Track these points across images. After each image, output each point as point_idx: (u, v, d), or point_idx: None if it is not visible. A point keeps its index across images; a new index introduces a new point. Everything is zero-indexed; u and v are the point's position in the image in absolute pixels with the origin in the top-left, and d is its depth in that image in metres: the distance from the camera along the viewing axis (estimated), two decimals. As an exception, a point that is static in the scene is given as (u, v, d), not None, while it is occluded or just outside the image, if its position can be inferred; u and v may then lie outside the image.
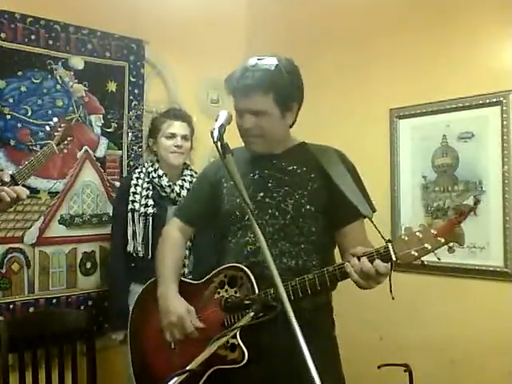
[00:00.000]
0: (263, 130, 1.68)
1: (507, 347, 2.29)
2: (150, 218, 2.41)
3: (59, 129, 2.35)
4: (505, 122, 2.34)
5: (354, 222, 1.69)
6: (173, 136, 2.44)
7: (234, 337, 1.57)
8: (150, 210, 2.41)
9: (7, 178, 1.64)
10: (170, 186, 2.43)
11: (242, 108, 1.67)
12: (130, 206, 2.43)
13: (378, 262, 1.42)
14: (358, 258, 1.45)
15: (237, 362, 1.58)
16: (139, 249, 2.40)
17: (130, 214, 2.43)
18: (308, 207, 1.68)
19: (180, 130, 2.45)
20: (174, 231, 1.92)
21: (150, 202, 2.43)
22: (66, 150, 2.40)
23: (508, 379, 2.28)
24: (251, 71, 1.63)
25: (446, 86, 2.49)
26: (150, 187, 2.46)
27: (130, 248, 2.42)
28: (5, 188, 1.62)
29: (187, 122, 2.49)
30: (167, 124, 2.45)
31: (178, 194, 2.43)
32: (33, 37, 2.50)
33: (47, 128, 2.38)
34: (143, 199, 2.43)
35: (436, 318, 2.50)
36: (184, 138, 2.46)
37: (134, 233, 2.42)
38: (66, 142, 2.41)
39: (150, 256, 2.38)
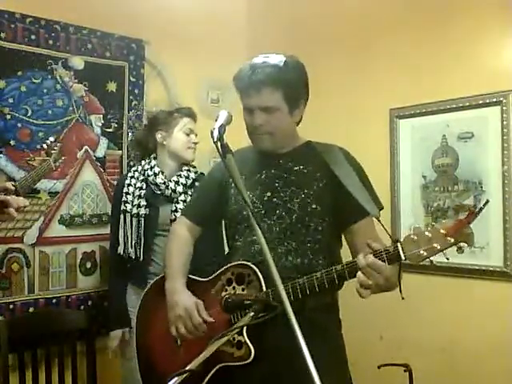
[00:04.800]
0: (273, 127, 1.69)
1: (507, 347, 2.29)
2: (143, 220, 2.38)
3: (55, 148, 2.46)
4: (505, 122, 2.34)
5: (361, 220, 1.69)
6: (191, 132, 2.43)
7: (241, 334, 1.58)
8: (143, 211, 2.38)
9: (12, 187, 1.69)
10: (164, 182, 2.39)
11: (253, 104, 1.67)
12: (122, 207, 2.41)
13: (372, 258, 1.42)
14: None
15: (243, 359, 1.58)
16: (130, 250, 2.37)
17: (121, 216, 2.40)
18: (314, 206, 1.69)
19: (194, 128, 2.46)
20: (182, 229, 1.93)
21: (143, 202, 2.39)
22: (59, 169, 2.52)
23: (508, 379, 2.28)
24: (262, 67, 1.64)
25: (446, 86, 2.49)
26: (144, 186, 2.42)
27: (120, 250, 2.39)
28: (13, 197, 1.66)
29: (196, 121, 2.50)
30: (186, 120, 2.43)
31: (174, 191, 2.38)
32: (33, 37, 2.50)
33: (44, 146, 2.47)
34: (136, 199, 2.40)
35: (436, 318, 2.50)
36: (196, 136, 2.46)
37: (125, 235, 2.39)
38: (60, 161, 2.50)
39: (142, 258, 2.37)
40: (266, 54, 1.70)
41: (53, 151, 2.47)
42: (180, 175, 2.43)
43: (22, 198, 1.75)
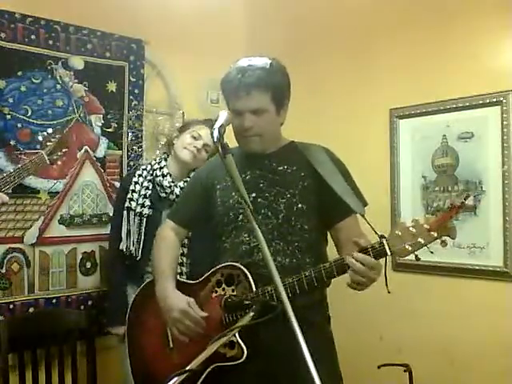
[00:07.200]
0: (262, 129, 1.71)
1: (507, 347, 2.29)
2: (145, 219, 2.40)
3: (52, 139, 2.32)
4: (505, 122, 2.34)
5: (346, 218, 1.72)
6: (198, 137, 2.41)
7: (233, 334, 1.58)
8: (146, 211, 2.40)
9: None
10: (170, 186, 2.40)
11: (243, 107, 1.68)
12: (126, 204, 2.42)
13: (356, 254, 1.47)
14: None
15: (236, 358, 1.59)
16: (131, 248, 2.39)
17: (125, 212, 2.42)
18: (300, 206, 1.70)
19: (207, 137, 2.40)
20: (168, 232, 1.94)
21: (147, 202, 2.41)
22: (59, 162, 2.36)
23: (508, 379, 2.28)
24: (251, 70, 1.65)
25: (446, 86, 2.49)
26: (150, 186, 2.43)
27: (122, 246, 2.41)
28: None
29: None
30: (199, 127, 2.43)
31: (178, 196, 2.38)
32: (33, 37, 2.50)
33: (39, 138, 2.32)
34: (141, 198, 2.41)
35: (436, 318, 2.50)
36: (206, 146, 2.41)
37: (128, 232, 2.41)
38: (59, 153, 2.36)
39: (139, 257, 2.39)
40: (263, 55, 1.72)
41: (49, 143, 2.33)
42: (187, 181, 2.43)
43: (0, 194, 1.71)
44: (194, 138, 2.41)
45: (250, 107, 1.67)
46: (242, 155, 1.78)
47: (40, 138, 2.50)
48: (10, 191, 2.42)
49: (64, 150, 2.47)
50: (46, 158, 2.25)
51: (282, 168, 1.75)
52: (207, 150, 2.42)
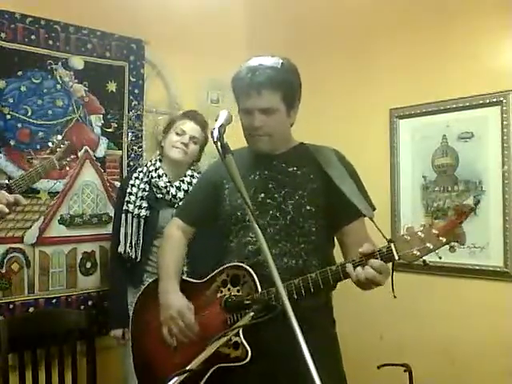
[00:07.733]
0: (272, 129, 1.70)
1: (507, 347, 2.29)
2: (143, 220, 2.40)
3: (62, 145, 2.35)
4: (505, 122, 2.34)
5: (354, 221, 1.71)
6: (182, 133, 2.41)
7: (237, 335, 1.58)
8: (143, 213, 2.40)
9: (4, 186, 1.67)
10: (166, 187, 2.40)
11: (253, 106, 1.67)
12: (124, 207, 2.43)
13: (372, 260, 1.45)
14: (354, 267, 1.48)
15: (240, 359, 1.59)
16: (128, 250, 2.39)
17: (123, 215, 2.43)
18: (308, 207, 1.70)
19: (191, 130, 2.42)
20: (175, 231, 1.94)
21: (144, 203, 2.42)
22: (68, 168, 2.38)
23: (508, 379, 2.28)
24: (262, 69, 1.64)
25: (446, 86, 2.49)
26: (147, 188, 2.44)
27: (120, 249, 2.41)
28: (2, 192, 1.65)
29: (201, 126, 2.46)
30: (181, 122, 2.44)
31: (174, 196, 2.40)
32: (33, 37, 2.50)
33: (50, 144, 2.35)
34: (138, 200, 2.42)
35: (436, 318, 2.50)
36: (193, 139, 2.42)
37: (126, 234, 2.41)
38: (68, 159, 2.36)
39: (139, 259, 2.39)
40: (265, 54, 1.71)
41: (58, 149, 2.39)
42: (183, 180, 2.44)
43: (15, 195, 1.73)
44: (179, 134, 2.41)
45: (259, 106, 1.66)
46: (252, 155, 1.78)
47: (40, 137, 2.50)
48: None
49: (73, 157, 2.47)
50: (57, 163, 2.29)
51: (291, 169, 1.75)
52: (195, 142, 2.44)
